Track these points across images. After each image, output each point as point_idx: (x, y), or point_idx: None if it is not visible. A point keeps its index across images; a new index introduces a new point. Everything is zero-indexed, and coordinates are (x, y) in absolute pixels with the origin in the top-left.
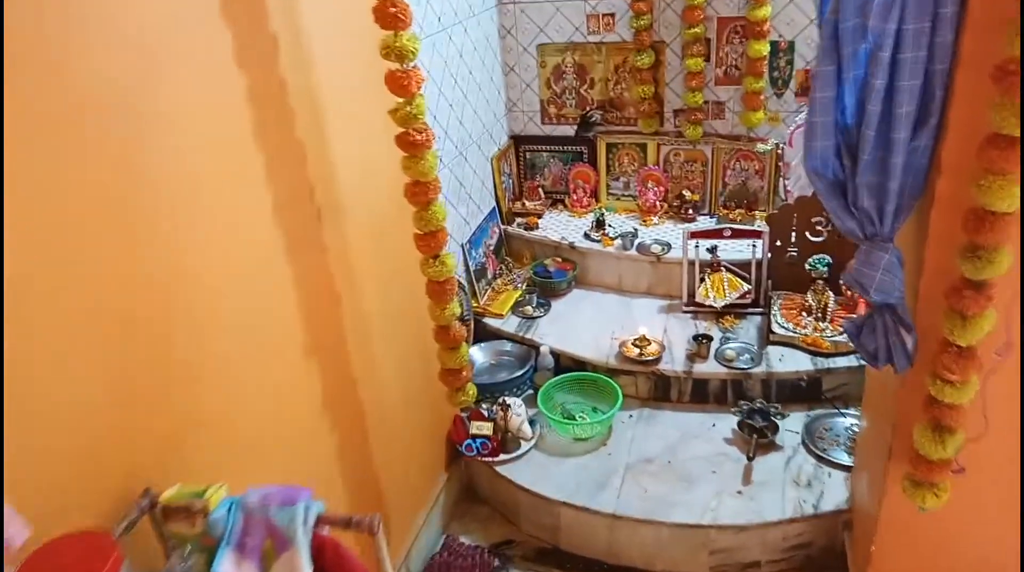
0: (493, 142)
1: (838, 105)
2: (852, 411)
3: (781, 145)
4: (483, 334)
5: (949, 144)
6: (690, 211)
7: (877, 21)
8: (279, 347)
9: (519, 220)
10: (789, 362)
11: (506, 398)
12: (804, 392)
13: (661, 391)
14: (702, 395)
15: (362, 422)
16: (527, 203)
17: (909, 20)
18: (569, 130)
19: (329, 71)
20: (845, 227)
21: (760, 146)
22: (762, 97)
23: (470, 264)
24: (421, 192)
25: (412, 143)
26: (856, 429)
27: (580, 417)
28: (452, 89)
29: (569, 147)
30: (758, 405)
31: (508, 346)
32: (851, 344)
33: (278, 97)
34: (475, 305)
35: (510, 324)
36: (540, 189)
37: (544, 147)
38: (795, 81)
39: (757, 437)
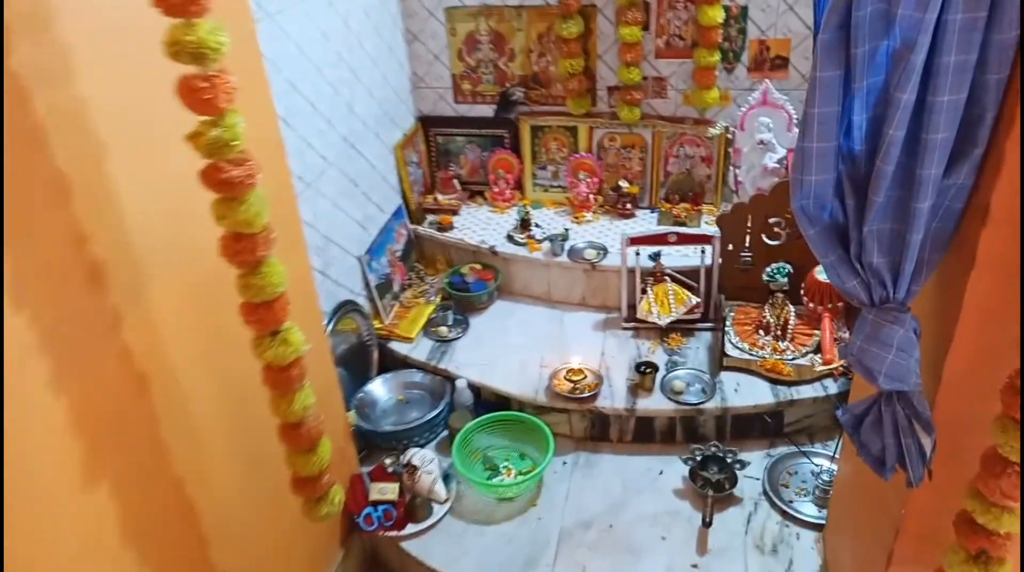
0: (396, 126)
1: (842, 125)
2: (819, 448)
3: (732, 129)
4: (389, 362)
5: (1002, 185)
6: (628, 205)
7: (909, 8)
8: (52, 481)
9: (431, 218)
10: (746, 393)
11: (413, 457)
12: (764, 426)
13: (599, 430)
14: (647, 434)
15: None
16: (440, 197)
17: (956, 8)
18: (487, 110)
19: (109, 79)
20: (845, 287)
21: (708, 130)
22: (716, 73)
23: (370, 279)
24: (245, 249)
25: (224, 182)
26: (825, 476)
27: (504, 467)
28: (335, 67)
29: (488, 131)
30: (712, 450)
31: (419, 377)
32: (820, 365)
33: (17, 122)
34: (378, 326)
35: (422, 349)
36: (455, 180)
37: (458, 130)
38: (748, 54)
39: (713, 492)
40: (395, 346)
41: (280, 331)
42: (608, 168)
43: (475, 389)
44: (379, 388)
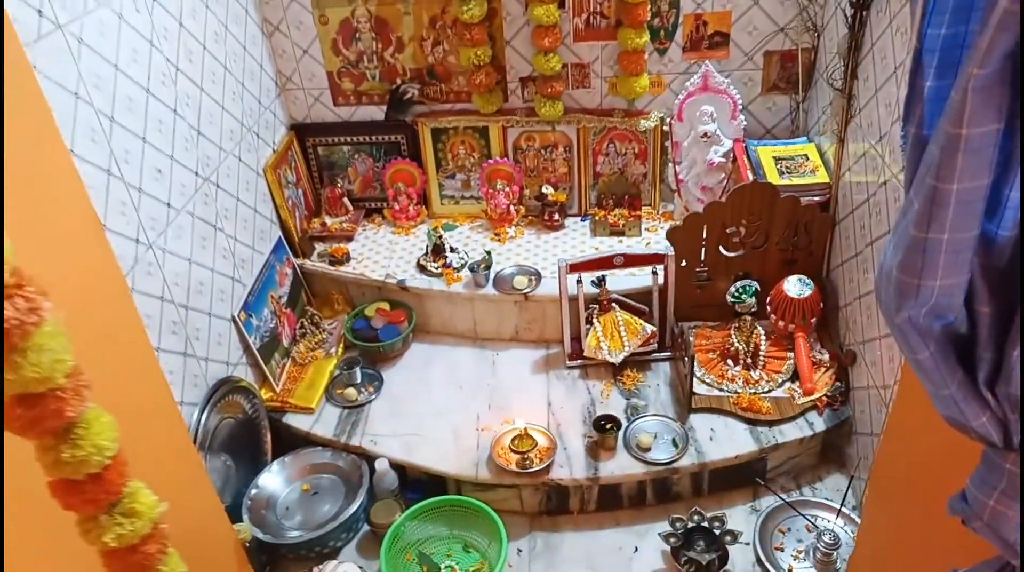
0: (263, 143)
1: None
2: (808, 494)
3: (668, 119)
4: (285, 440)
5: None
6: (555, 215)
7: None
8: None
9: (320, 248)
10: (723, 440)
11: (330, 571)
12: (745, 473)
13: (557, 502)
14: (614, 501)
15: None
16: (329, 220)
17: None
18: (377, 112)
19: None
20: (971, 426)
21: (641, 122)
22: (646, 56)
23: (251, 341)
24: (41, 415)
25: None
26: (827, 538)
27: (447, 567)
28: (169, 83)
29: (379, 137)
30: (697, 519)
31: (327, 455)
32: (800, 396)
33: None
34: (268, 398)
35: (326, 421)
36: (344, 199)
37: (343, 138)
38: (681, 31)
39: None
40: (292, 420)
41: (119, 501)
42: (528, 173)
43: (400, 469)
44: (275, 479)
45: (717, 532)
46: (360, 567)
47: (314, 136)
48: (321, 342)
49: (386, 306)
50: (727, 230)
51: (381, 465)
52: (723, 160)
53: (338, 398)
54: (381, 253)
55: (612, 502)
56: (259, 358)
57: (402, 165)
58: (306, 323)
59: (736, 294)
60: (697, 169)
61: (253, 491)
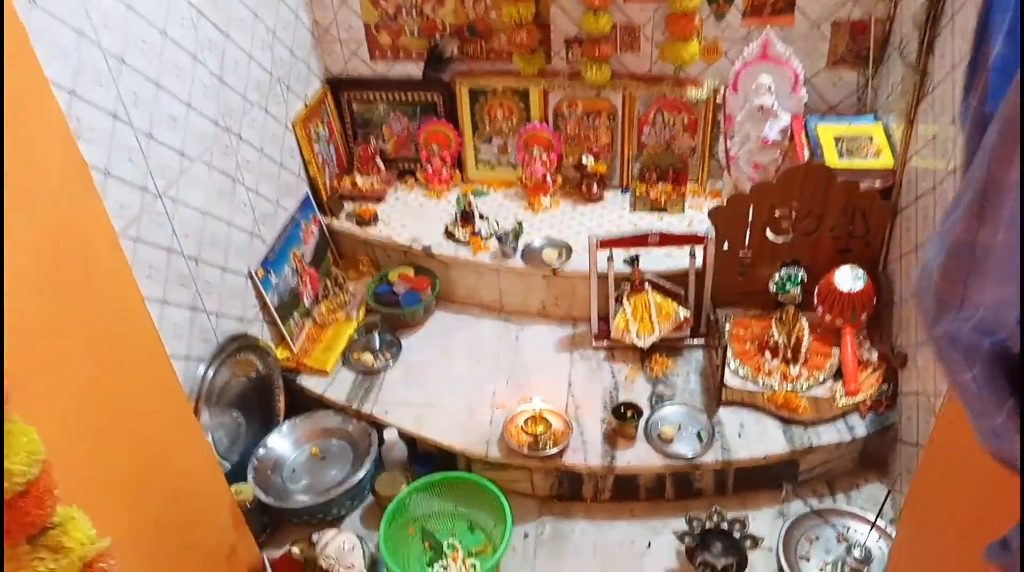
0: (295, 95)
1: None
2: (842, 503)
3: (722, 89)
4: (298, 403)
5: None
6: (594, 187)
7: None
8: None
9: (349, 208)
10: (753, 438)
11: (327, 547)
12: (774, 474)
13: (569, 487)
14: (630, 491)
15: None
16: (360, 179)
17: None
18: (414, 69)
19: None
20: (1013, 458)
21: (691, 92)
22: (696, 20)
23: (269, 299)
24: None
25: None
26: (856, 553)
27: (450, 546)
28: (190, 25)
29: (416, 94)
30: (716, 519)
31: (338, 419)
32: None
33: None
34: (284, 357)
35: (340, 384)
36: (377, 158)
37: (379, 94)
38: None
39: None
40: (306, 382)
41: (43, 533)
42: (568, 141)
43: (410, 441)
44: (285, 441)
45: (737, 536)
46: (360, 537)
47: (349, 91)
48: (343, 304)
49: (410, 272)
50: (776, 213)
51: (390, 435)
52: (779, 137)
53: (354, 363)
54: (410, 216)
55: (628, 493)
56: (276, 316)
57: (438, 126)
58: (329, 284)
59: (780, 283)
60: (750, 145)
61: (261, 451)
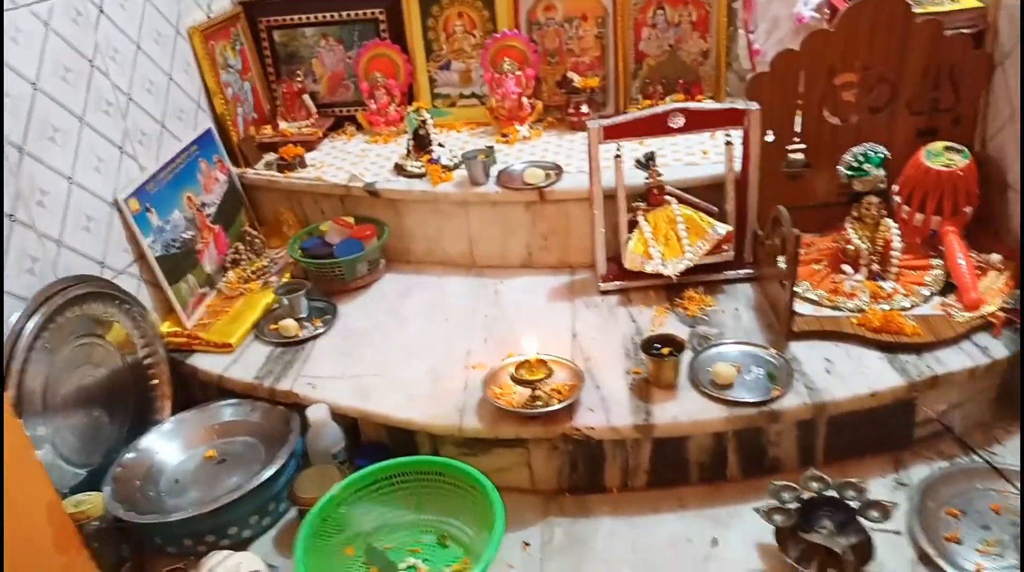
0: (195, 3)
1: None
2: (996, 461)
3: None
4: (191, 391)
5: None
6: (583, 110)
7: None
8: None
9: (269, 157)
10: (848, 374)
11: (215, 565)
12: (880, 430)
13: (586, 472)
14: (675, 471)
15: None
16: (285, 126)
17: None
18: None
19: None
20: None
21: None
22: None
23: (145, 244)
24: None
25: None
26: None
27: (410, 566)
28: None
29: (352, 13)
30: (816, 486)
31: (245, 410)
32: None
33: None
34: (171, 331)
35: (249, 361)
36: (306, 96)
37: (305, 17)
38: None
39: None
40: (202, 361)
41: None
42: (548, 58)
43: (350, 427)
44: (167, 443)
45: (851, 502)
46: (272, 566)
47: (268, 16)
48: (261, 272)
49: (348, 219)
50: (836, 81)
51: (316, 413)
52: (816, 15)
53: (270, 334)
54: (348, 159)
55: (672, 475)
56: (160, 273)
57: (381, 48)
58: (242, 248)
59: (855, 164)
60: (781, 31)
61: (129, 456)
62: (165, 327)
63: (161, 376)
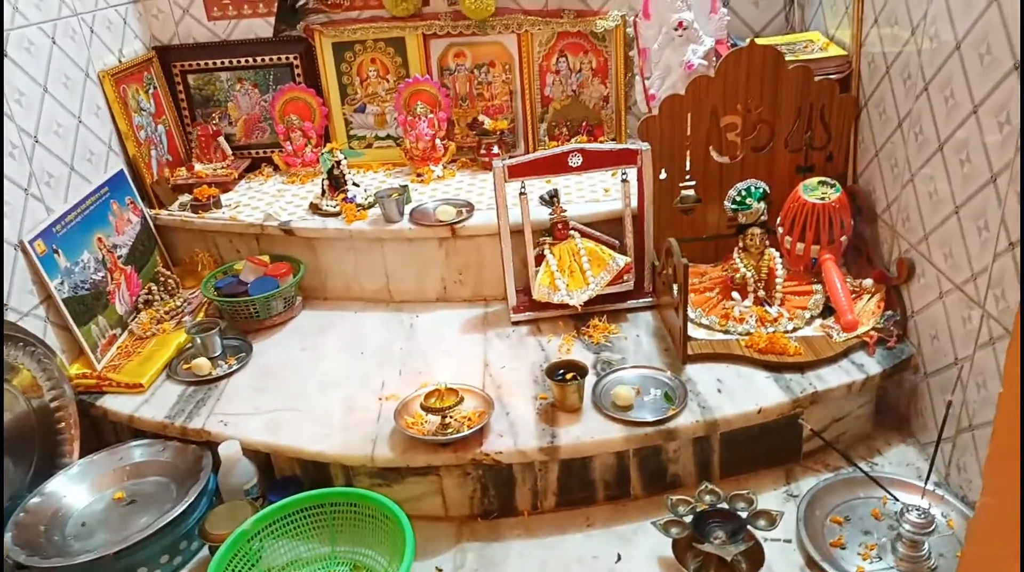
0: (100, 43)
1: None
2: (877, 472)
3: (632, 18)
4: (103, 432)
5: None
6: (495, 150)
7: None
8: None
9: (184, 199)
10: (737, 392)
11: None
12: (770, 445)
13: (498, 498)
14: (581, 490)
15: None
16: (200, 168)
17: None
18: (263, 26)
19: None
20: None
21: (598, 22)
22: None
23: (53, 286)
24: None
25: None
26: (915, 517)
27: None
28: None
29: (267, 58)
30: (709, 499)
31: (155, 450)
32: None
33: None
34: (80, 373)
35: (160, 401)
36: (221, 138)
37: (220, 62)
38: None
39: None
40: (111, 403)
41: None
42: (459, 102)
43: (263, 463)
44: (75, 486)
45: (741, 512)
46: None
47: (183, 60)
48: (174, 312)
49: (264, 258)
50: (720, 123)
51: (227, 450)
52: (704, 62)
53: (183, 373)
54: (264, 200)
55: (579, 495)
56: (68, 316)
57: (296, 92)
58: (155, 288)
59: (739, 199)
60: (672, 77)
61: (34, 500)
62: (74, 369)
63: (68, 419)
